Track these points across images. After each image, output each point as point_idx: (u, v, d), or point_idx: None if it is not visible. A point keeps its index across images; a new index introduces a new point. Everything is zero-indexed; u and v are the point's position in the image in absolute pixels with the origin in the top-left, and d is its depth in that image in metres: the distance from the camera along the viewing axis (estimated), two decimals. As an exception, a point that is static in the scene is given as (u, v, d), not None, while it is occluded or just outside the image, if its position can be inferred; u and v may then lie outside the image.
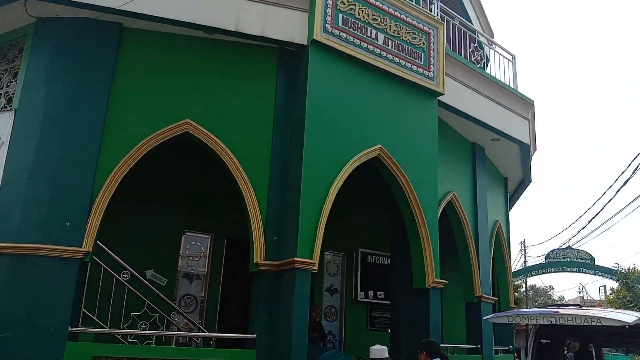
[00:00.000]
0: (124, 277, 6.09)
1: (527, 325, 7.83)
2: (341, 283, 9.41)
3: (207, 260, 7.96)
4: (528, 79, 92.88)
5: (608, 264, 18.47)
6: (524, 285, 27.65)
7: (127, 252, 6.59)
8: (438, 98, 7.63)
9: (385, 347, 5.41)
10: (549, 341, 7.67)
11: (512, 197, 12.61)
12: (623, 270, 17.52)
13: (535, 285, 41.21)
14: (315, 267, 5.79)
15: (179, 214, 7.83)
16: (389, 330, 7.75)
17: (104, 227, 5.70)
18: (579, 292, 30.29)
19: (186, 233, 7.92)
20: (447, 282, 7.22)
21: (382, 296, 9.61)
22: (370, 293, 9.51)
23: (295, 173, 6.05)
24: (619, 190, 18.82)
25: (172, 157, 7.40)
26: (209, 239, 8.04)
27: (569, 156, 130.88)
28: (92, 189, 5.48)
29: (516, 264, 25.86)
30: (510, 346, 10.39)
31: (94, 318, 5.85)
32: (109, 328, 5.79)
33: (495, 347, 9.54)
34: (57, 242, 5.21)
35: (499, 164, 10.92)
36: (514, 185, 12.28)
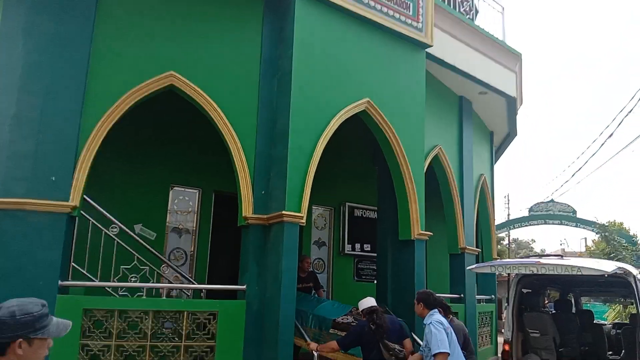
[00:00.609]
0: (112, 231, 6.11)
1: (509, 275, 8.06)
2: (329, 236, 9.55)
3: (195, 215, 7.99)
4: (525, 56, 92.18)
5: (589, 217, 18.86)
6: (507, 238, 28.27)
7: (115, 207, 6.60)
8: (426, 50, 7.56)
9: (373, 298, 5.47)
10: (530, 290, 7.91)
11: (497, 151, 12.74)
12: (603, 223, 17.95)
13: (517, 238, 42.22)
14: (304, 221, 5.84)
15: (167, 169, 7.79)
16: (375, 281, 7.93)
17: (91, 182, 5.66)
18: (561, 244, 31.08)
19: (174, 188, 7.90)
20: (432, 234, 7.35)
21: (369, 249, 9.80)
22: (357, 246, 9.69)
23: (282, 126, 6.03)
24: (603, 143, 19.03)
25: (159, 110, 7.31)
26: (197, 193, 8.04)
27: (565, 137, 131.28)
28: (77, 143, 5.40)
29: (500, 217, 26.38)
30: (493, 296, 10.73)
31: (84, 272, 5.89)
32: (99, 281, 5.84)
33: (477, 297, 9.83)
34: (43, 196, 5.17)
35: (486, 117, 10.96)
36: (500, 139, 12.38)
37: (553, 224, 18.70)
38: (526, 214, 19.79)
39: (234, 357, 5.64)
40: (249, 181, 5.99)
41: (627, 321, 10.01)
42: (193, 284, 7.04)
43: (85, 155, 5.40)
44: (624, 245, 17.12)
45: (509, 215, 27.20)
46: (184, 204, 7.95)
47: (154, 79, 5.75)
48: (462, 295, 9.01)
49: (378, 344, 4.94)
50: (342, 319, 6.16)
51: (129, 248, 6.13)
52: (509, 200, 28.71)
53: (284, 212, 5.63)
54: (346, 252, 9.43)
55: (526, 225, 19.32)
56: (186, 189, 7.99)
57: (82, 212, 5.69)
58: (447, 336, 4.76)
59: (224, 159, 6.19)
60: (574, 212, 18.46)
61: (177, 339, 5.54)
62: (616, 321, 12.57)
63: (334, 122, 6.24)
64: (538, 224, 18.91)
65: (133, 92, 5.64)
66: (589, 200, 66.95)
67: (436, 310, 5.05)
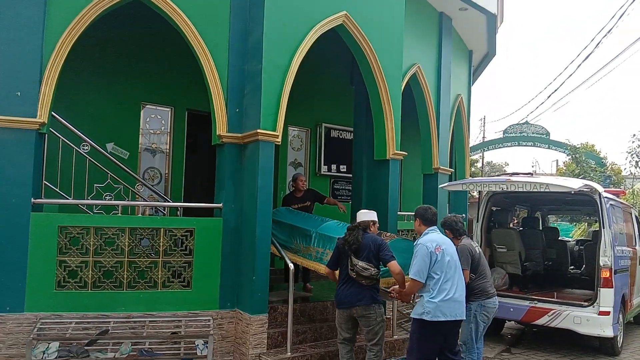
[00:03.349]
0: (83, 149, 6.00)
1: (479, 197, 8.25)
2: (305, 157, 9.55)
3: (168, 134, 7.85)
4: (509, 18, 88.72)
5: (562, 139, 19.18)
6: (481, 160, 28.76)
7: (85, 125, 6.45)
8: (406, -39, 7.25)
9: (369, 212, 5.28)
10: (499, 208, 8.17)
11: (475, 71, 12.62)
12: (574, 145, 18.31)
13: (491, 161, 42.98)
14: (279, 140, 5.80)
15: (137, 86, 7.53)
16: (350, 201, 8.04)
17: (59, 98, 5.48)
18: (532, 167, 31.81)
19: (145, 106, 7.69)
20: (406, 153, 7.40)
21: (345, 169, 9.87)
22: (333, 167, 9.74)
23: (256, 40, 5.81)
24: (579, 65, 19.02)
25: (128, 23, 6.97)
26: (170, 111, 7.85)
27: (544, 58, 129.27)
28: (41, 56, 5.15)
29: (475, 139, 26.67)
30: (464, 215, 11.05)
31: (57, 190, 5.85)
32: (73, 199, 5.81)
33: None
34: (9, 113, 5.00)
35: (465, 35, 10.75)
36: (479, 58, 12.24)
37: (526, 146, 18.99)
38: (501, 136, 20.02)
39: (211, 271, 5.78)
40: (222, 98, 5.86)
41: (590, 238, 10.51)
42: (168, 201, 7.07)
43: (51, 69, 5.18)
44: (592, 167, 17.61)
45: (484, 137, 27.54)
46: (156, 123, 7.77)
47: (119, -13, 5.42)
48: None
49: (347, 259, 4.90)
50: None
51: (101, 166, 6.05)
52: (484, 122, 28.95)
53: (259, 130, 5.56)
54: (322, 172, 9.48)
55: (500, 147, 19.60)
56: (158, 107, 7.77)
57: (51, 129, 5.55)
58: (434, 260, 4.49)
59: (197, 76, 6.00)
60: (548, 134, 18.73)
61: (154, 255, 5.63)
62: (580, 238, 13.16)
63: (310, 36, 6.04)
64: (512, 146, 19.19)
65: (98, 1, 5.33)
66: (563, 123, 67.90)
67: (434, 228, 4.79)
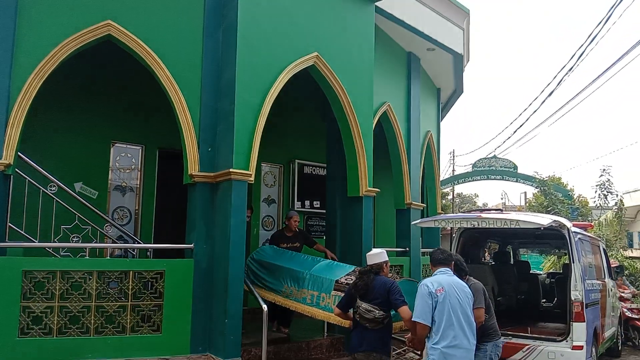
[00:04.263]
0: (51, 190, 5.85)
1: (451, 229, 8.33)
2: (278, 194, 9.52)
3: (139, 172, 7.73)
4: (476, 57, 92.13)
5: (529, 172, 19.64)
6: (451, 193, 29.17)
7: (53, 164, 6.32)
8: (375, 4, 7.46)
9: (381, 252, 4.82)
10: (471, 243, 8.23)
11: (443, 108, 12.93)
12: (542, 178, 18.75)
13: (462, 193, 43.65)
14: (252, 178, 5.78)
15: (107, 124, 7.44)
16: (324, 237, 8.00)
17: (26, 138, 5.37)
18: (502, 199, 32.38)
19: (115, 144, 7.59)
20: (379, 190, 7.46)
21: (318, 205, 9.86)
22: (307, 202, 9.72)
23: (228, 80, 5.84)
24: (543, 101, 19.68)
25: (96, 63, 6.94)
26: (140, 150, 7.76)
27: (510, 95, 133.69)
28: (8, 98, 5.05)
29: (445, 173, 27.10)
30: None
31: (22, 232, 5.66)
32: (39, 242, 5.62)
33: (422, 250, 10.17)
34: (-28, 154, 4.87)
35: (433, 74, 11.05)
36: (447, 96, 12.56)
37: (495, 179, 19.37)
38: (470, 169, 20.40)
39: (182, 314, 5.63)
40: (194, 137, 5.83)
41: (560, 271, 10.66)
42: (139, 242, 6.91)
43: (18, 110, 5.09)
44: (560, 199, 18.02)
45: (453, 171, 27.97)
46: (126, 161, 7.66)
47: (90, 28, 5.42)
48: (407, 248, 9.28)
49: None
50: (346, 279, 5.60)
51: (69, 207, 5.90)
52: (454, 156, 29.49)
53: (231, 169, 5.54)
54: (296, 209, 9.44)
55: (470, 181, 19.94)
56: (128, 146, 7.68)
57: (17, 170, 5.41)
58: (435, 302, 4.22)
59: (168, 114, 5.98)
60: (515, 167, 19.18)
61: (123, 298, 5.47)
62: (550, 271, 13.34)
63: (283, 76, 6.11)
64: (481, 179, 19.54)
65: (68, 42, 5.31)
66: (530, 157, 69.72)
67: (444, 270, 4.50)
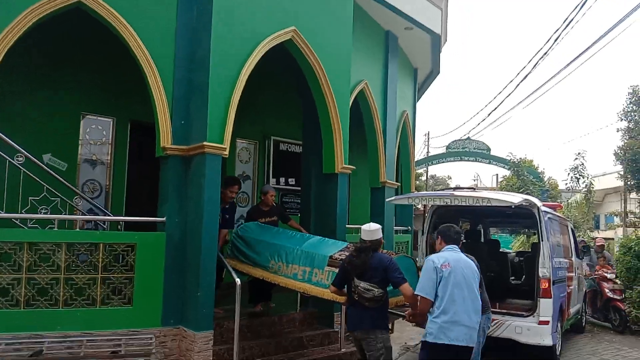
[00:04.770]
0: (18, 160, 5.69)
1: (424, 209, 8.41)
2: (253, 170, 9.45)
3: (110, 145, 7.57)
4: (453, 38, 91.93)
5: (503, 154, 19.92)
6: (425, 174, 29.42)
7: (21, 136, 6.11)
8: (354, -20, 7.39)
9: (379, 226, 4.75)
10: (443, 222, 8.33)
11: (420, 88, 12.96)
12: (515, 160, 19.05)
13: (435, 175, 44.11)
14: (226, 152, 5.71)
15: (77, 96, 7.23)
16: (299, 214, 8.00)
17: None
18: (474, 181, 32.82)
19: (86, 116, 7.40)
20: (355, 167, 7.47)
21: (293, 182, 9.84)
22: (282, 180, 9.68)
23: (203, 52, 5.73)
24: (518, 85, 19.90)
25: (66, 31, 6.70)
26: (111, 122, 7.58)
27: (487, 77, 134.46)
28: (-28, 65, 4.87)
29: (420, 154, 27.29)
30: (409, 227, 11.25)
31: (-13, 204, 5.51)
32: (5, 213, 5.48)
33: (396, 228, 10.27)
34: None
35: (410, 54, 11.04)
36: (423, 77, 12.58)
37: (468, 160, 19.60)
38: (444, 151, 20.59)
39: (153, 287, 5.59)
40: (166, 109, 5.73)
41: (529, 250, 10.91)
42: (109, 215, 6.80)
43: (-18, 77, 4.90)
44: (532, 181, 18.37)
45: (428, 152, 28.18)
46: (97, 134, 7.48)
47: (59, -6, 5.22)
48: (381, 227, 9.33)
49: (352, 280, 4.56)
50: (340, 254, 5.49)
51: (37, 179, 5.76)
52: (429, 138, 29.71)
53: (205, 143, 5.47)
54: (271, 185, 9.37)
55: (443, 162, 20.13)
56: (99, 118, 7.49)
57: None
58: (440, 277, 4.17)
59: (141, 86, 5.84)
60: (488, 149, 19.42)
61: (93, 271, 5.39)
62: (520, 250, 13.65)
63: (259, 49, 6.02)
64: (455, 161, 19.76)
65: (35, 7, 5.10)
66: (503, 139, 70.69)
67: (453, 247, 4.43)
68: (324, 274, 5.50)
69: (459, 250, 4.50)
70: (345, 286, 4.76)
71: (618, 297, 9.81)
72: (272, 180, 9.48)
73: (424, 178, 30.71)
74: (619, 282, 10.02)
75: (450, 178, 47.01)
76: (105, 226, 6.45)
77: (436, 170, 37.45)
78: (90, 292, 5.34)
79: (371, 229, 4.67)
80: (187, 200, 5.79)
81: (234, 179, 6.49)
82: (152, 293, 5.59)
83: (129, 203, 7.71)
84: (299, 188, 8.31)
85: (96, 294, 5.36)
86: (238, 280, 5.59)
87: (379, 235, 4.68)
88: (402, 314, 4.87)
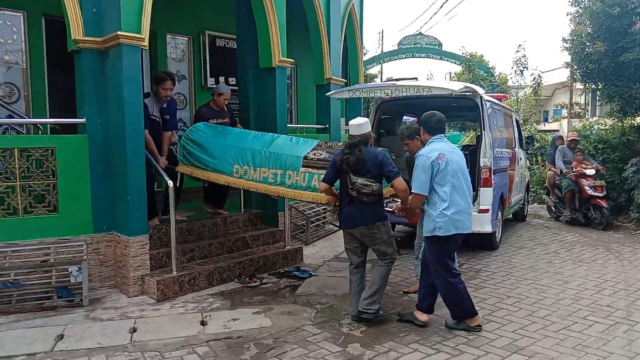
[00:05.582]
0: None
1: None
2: (188, 69, 8.85)
3: (23, 44, 6.84)
4: None
5: (455, 50, 19.54)
6: (380, 75, 28.96)
7: None
8: None
9: (363, 122, 4.52)
10: (388, 116, 8.16)
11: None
12: (466, 55, 18.80)
13: (392, 77, 43.62)
14: (145, 43, 5.20)
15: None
16: (238, 113, 7.60)
17: None
18: (427, 79, 32.58)
19: (-9, 11, 6.59)
20: (293, 61, 7.09)
21: (234, 82, 9.32)
22: (221, 79, 9.13)
23: None
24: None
25: None
26: (22, 17, 6.79)
27: None
28: None
29: (375, 54, 26.59)
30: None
31: None
32: None
33: (344, 127, 10.08)
34: None
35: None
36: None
37: (420, 57, 19.17)
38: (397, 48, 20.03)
39: (80, 193, 5.29)
40: (74, -5, 5.09)
41: (475, 143, 10.98)
42: (24, 117, 6.28)
43: None
44: (483, 76, 18.30)
45: (382, 51, 27.51)
46: (6, 31, 6.71)
47: None
48: (327, 125, 9.13)
49: (346, 177, 4.42)
50: (314, 154, 5.23)
51: None
52: (383, 37, 28.94)
53: (120, 32, 4.94)
54: (209, 85, 8.84)
55: (395, 59, 19.63)
56: (6, 12, 6.68)
57: None
58: (437, 170, 4.19)
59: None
60: (440, 45, 18.99)
61: (12, 178, 5.01)
62: (464, 144, 13.77)
63: None
64: (406, 57, 19.27)
65: None
66: (455, 34, 69.55)
67: (440, 136, 4.42)
68: (299, 176, 5.22)
69: (446, 138, 4.47)
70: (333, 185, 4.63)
71: (600, 194, 9.19)
72: (210, 80, 8.90)
73: (379, 80, 30.26)
74: (599, 181, 9.37)
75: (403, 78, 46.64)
76: (22, 131, 5.97)
77: (392, 71, 37.06)
78: (10, 201, 5.00)
79: (359, 123, 4.50)
80: (108, 99, 5.33)
81: (165, 73, 5.89)
82: (79, 199, 5.29)
83: (53, 108, 7.13)
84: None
85: (17, 202, 5.03)
86: (170, 183, 5.31)
87: (368, 128, 4.53)
88: (390, 210, 4.79)
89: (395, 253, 4.62)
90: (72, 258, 5.07)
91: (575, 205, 9.57)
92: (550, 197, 10.44)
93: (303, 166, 5.21)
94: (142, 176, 5.25)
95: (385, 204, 4.74)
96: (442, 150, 4.27)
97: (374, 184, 4.35)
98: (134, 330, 4.36)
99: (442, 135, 4.48)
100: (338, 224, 8.91)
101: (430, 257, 4.38)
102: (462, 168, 4.34)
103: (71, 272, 5.01)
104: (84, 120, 5.31)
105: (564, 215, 9.77)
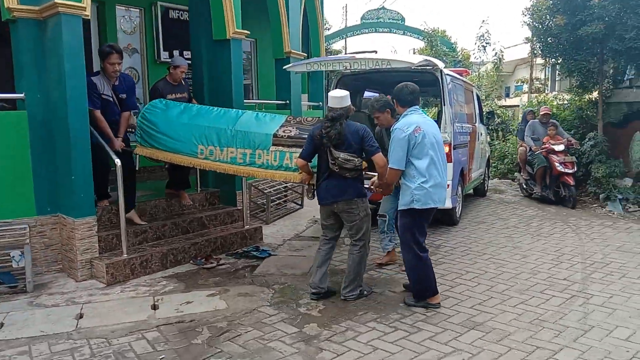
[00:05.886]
0: None
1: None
2: (140, 42, 8.42)
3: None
4: None
5: (418, 25, 19.43)
6: (344, 50, 28.71)
7: None
8: None
9: (347, 93, 4.43)
10: (349, 91, 8.00)
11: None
12: (428, 30, 18.74)
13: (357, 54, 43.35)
14: (87, 12, 4.86)
15: None
16: (191, 88, 7.28)
17: None
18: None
19: None
20: (249, 32, 6.81)
21: (189, 56, 8.96)
22: (176, 53, 8.75)
23: None
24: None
25: None
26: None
27: None
28: None
29: (339, 29, 26.26)
30: (320, 102, 10.87)
31: None
32: None
33: (306, 103, 9.88)
34: None
35: None
36: None
37: (383, 32, 18.96)
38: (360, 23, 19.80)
39: (20, 174, 4.98)
40: (4, -42, 4.70)
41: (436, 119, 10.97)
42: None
43: None
44: (445, 52, 18.30)
45: (346, 25, 27.21)
46: None
47: None
48: (287, 101, 8.91)
49: (326, 152, 4.30)
50: (284, 131, 4.99)
51: None
52: (346, 12, 28.59)
53: (57, 1, 4.59)
54: (162, 59, 8.44)
55: (358, 34, 19.38)
56: None
57: None
58: (414, 144, 4.10)
59: None
60: (403, 19, 18.83)
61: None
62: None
63: None
64: (369, 32, 19.03)
65: None
66: (417, 8, 69.36)
67: (414, 108, 4.32)
68: (270, 155, 4.98)
69: (421, 110, 4.40)
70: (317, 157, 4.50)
71: (569, 171, 8.91)
72: (164, 54, 8.51)
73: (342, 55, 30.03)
74: (570, 157, 9.13)
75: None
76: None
77: (356, 47, 36.75)
78: (-57, 184, 4.67)
79: (340, 95, 4.36)
80: (48, 73, 4.99)
81: (109, 46, 5.46)
82: (20, 180, 4.97)
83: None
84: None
85: (-49, 185, 4.69)
86: (118, 161, 5.04)
87: (348, 102, 4.40)
88: (365, 185, 4.68)
89: (368, 232, 4.55)
90: (14, 242, 4.79)
91: (545, 182, 9.40)
92: (522, 173, 10.27)
93: (273, 145, 4.98)
94: (88, 155, 4.96)
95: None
96: (418, 122, 4.19)
97: (356, 159, 4.27)
98: (81, 316, 4.16)
99: (417, 107, 4.39)
100: (300, 203, 8.84)
101: (403, 232, 4.33)
102: (438, 140, 4.27)
103: (13, 256, 4.75)
104: (22, 95, 4.96)
105: (535, 192, 9.63)
